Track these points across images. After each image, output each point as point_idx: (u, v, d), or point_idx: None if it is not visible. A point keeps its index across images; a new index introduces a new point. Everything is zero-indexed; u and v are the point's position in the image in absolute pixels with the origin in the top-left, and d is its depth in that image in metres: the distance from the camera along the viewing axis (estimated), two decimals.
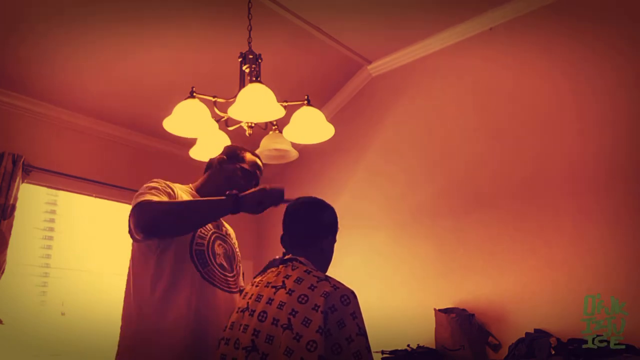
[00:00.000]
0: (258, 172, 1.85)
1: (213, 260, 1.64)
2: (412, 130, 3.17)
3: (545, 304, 2.37)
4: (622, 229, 2.24)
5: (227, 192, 1.51)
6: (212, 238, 1.69)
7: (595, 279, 2.25)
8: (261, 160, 1.91)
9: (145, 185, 1.61)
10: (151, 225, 1.47)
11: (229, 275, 1.69)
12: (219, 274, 1.64)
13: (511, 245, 2.56)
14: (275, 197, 1.55)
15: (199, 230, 1.64)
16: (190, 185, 1.82)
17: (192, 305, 1.55)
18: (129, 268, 1.66)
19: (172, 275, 1.56)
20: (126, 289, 1.64)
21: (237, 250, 1.84)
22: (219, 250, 1.69)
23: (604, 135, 2.39)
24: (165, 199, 1.57)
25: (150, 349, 1.51)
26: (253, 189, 1.56)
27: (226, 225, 1.88)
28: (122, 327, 1.61)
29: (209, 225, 1.70)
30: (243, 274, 1.87)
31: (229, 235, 1.83)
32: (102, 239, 3.12)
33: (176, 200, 1.62)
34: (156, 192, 1.57)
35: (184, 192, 1.72)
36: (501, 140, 2.75)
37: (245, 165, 1.81)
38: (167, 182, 1.68)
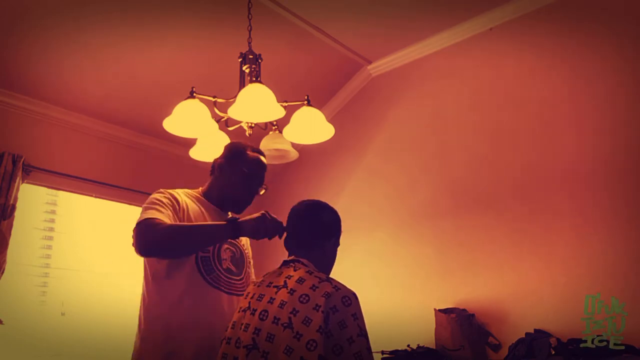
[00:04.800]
0: (261, 172, 1.82)
1: (219, 266, 1.67)
2: (412, 130, 3.17)
3: (545, 304, 2.38)
4: (621, 229, 2.24)
5: (228, 218, 1.57)
6: (219, 244, 1.70)
7: (595, 279, 2.25)
8: (265, 156, 1.86)
9: (150, 198, 1.64)
10: (151, 248, 1.53)
11: (236, 278, 1.71)
12: (224, 278, 1.66)
13: (511, 246, 2.56)
14: (270, 229, 1.58)
15: None
16: (200, 189, 1.83)
17: (198, 311, 1.58)
18: (144, 273, 1.70)
19: (180, 282, 1.60)
20: (142, 293, 1.69)
21: (247, 251, 1.84)
22: (225, 255, 1.70)
23: (602, 135, 2.39)
24: (169, 213, 1.60)
25: (159, 352, 1.54)
26: (253, 215, 1.58)
27: None
28: (137, 330, 1.65)
29: None
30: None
31: (239, 237, 1.81)
32: (102, 239, 3.12)
33: (180, 214, 1.64)
34: (161, 207, 1.60)
35: (190, 199, 1.73)
36: (501, 141, 2.75)
37: (245, 169, 1.78)
38: (172, 192, 1.70)
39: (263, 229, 1.56)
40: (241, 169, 1.78)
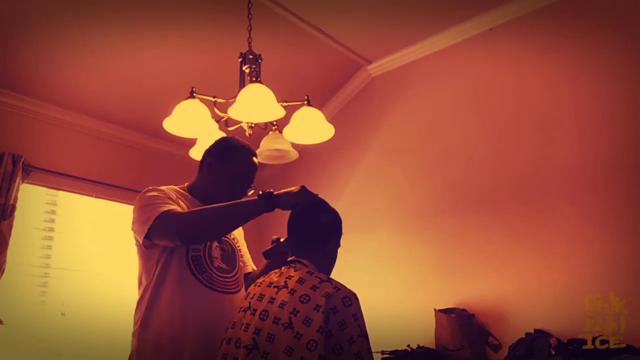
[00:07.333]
0: (252, 174, 1.76)
1: (210, 265, 1.64)
2: (412, 130, 3.17)
3: (545, 304, 2.38)
4: (621, 229, 2.25)
5: (261, 192, 1.53)
6: (209, 242, 1.67)
7: (595, 279, 2.25)
8: (256, 156, 1.80)
9: (148, 195, 1.61)
10: (190, 231, 1.52)
11: (229, 276, 1.68)
12: (217, 277, 1.64)
13: (511, 246, 2.56)
14: (308, 198, 1.56)
15: None
16: (186, 184, 1.78)
17: (193, 310, 1.57)
18: (138, 274, 1.68)
19: (172, 283, 1.58)
20: (138, 293, 1.66)
21: (239, 245, 1.81)
22: (216, 253, 1.68)
23: (603, 135, 2.39)
24: (175, 206, 1.59)
25: (155, 353, 1.53)
26: (292, 188, 1.55)
27: None
28: (133, 331, 1.63)
29: None
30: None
31: (230, 234, 1.79)
32: (102, 239, 3.12)
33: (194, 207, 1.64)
34: (168, 200, 1.59)
35: (177, 196, 1.69)
36: (501, 141, 2.75)
37: (236, 172, 1.73)
38: (162, 189, 1.66)
39: (302, 198, 1.54)
40: (231, 171, 1.72)
